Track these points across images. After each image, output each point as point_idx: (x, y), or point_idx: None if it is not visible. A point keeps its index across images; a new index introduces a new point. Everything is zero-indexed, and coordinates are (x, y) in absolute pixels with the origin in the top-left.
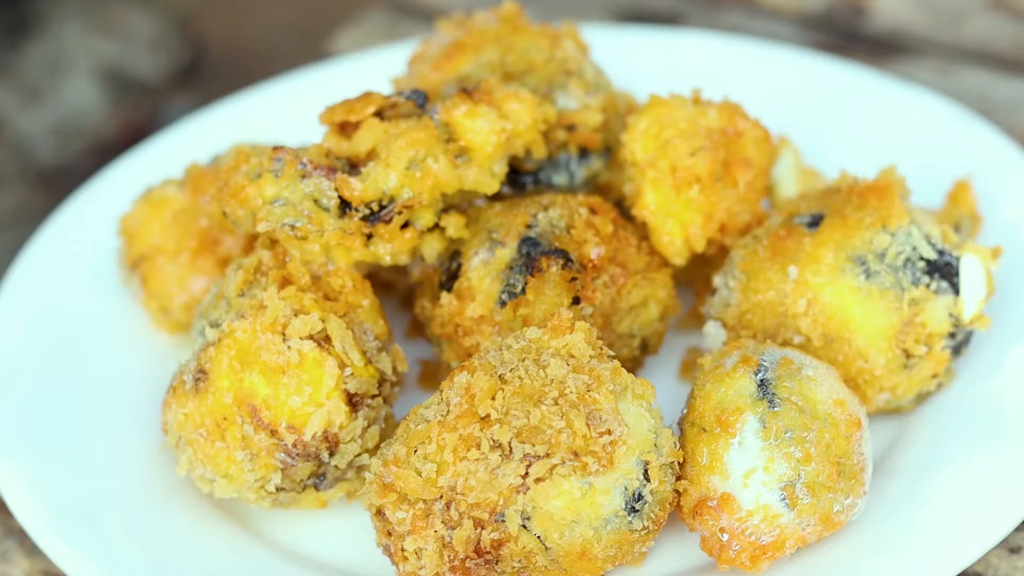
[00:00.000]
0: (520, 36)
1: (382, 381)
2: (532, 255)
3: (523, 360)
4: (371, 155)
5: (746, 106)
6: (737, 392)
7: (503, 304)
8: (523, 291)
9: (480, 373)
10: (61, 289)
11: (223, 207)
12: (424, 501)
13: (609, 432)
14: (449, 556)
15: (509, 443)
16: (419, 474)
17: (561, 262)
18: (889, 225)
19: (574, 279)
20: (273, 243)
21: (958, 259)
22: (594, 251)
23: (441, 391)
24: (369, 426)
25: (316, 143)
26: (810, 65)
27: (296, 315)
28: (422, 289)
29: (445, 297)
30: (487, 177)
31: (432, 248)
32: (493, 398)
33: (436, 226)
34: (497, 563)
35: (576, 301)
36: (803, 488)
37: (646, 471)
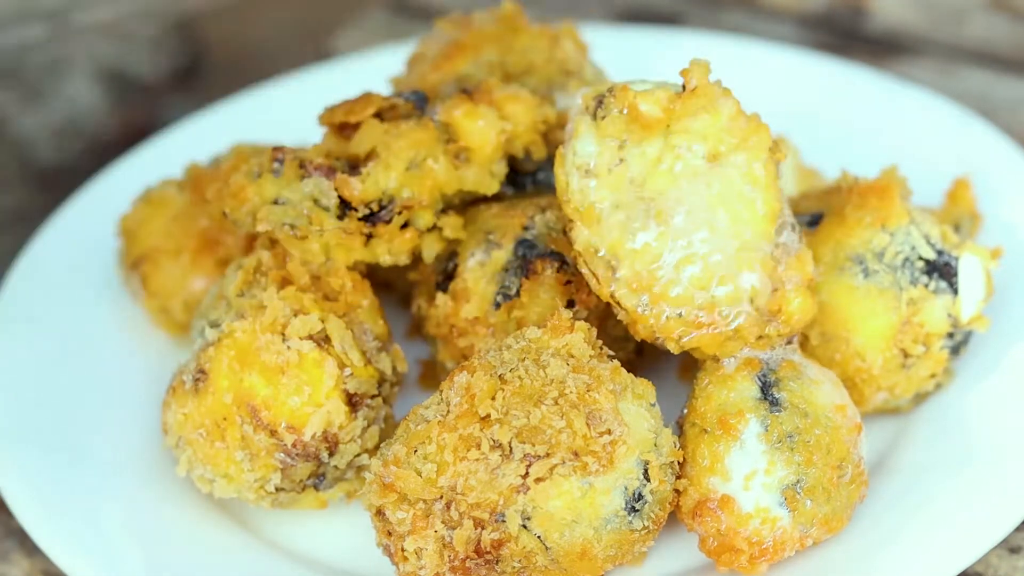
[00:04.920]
0: (520, 36)
1: (382, 381)
2: (528, 257)
3: (523, 360)
4: (371, 156)
5: (746, 106)
6: (739, 394)
7: (497, 306)
8: (517, 293)
9: (480, 373)
10: (61, 289)
11: (223, 207)
12: (424, 501)
13: (609, 432)
14: (449, 556)
15: (509, 443)
16: (419, 474)
17: (556, 265)
18: (888, 225)
19: (569, 282)
20: (273, 243)
21: (957, 259)
22: None
23: (441, 391)
24: (369, 426)
25: (316, 143)
26: (810, 65)
27: (296, 315)
28: (419, 289)
29: (441, 298)
30: (487, 177)
31: (432, 248)
32: (493, 398)
33: (436, 226)
34: (497, 563)
35: (570, 304)
36: (803, 492)
37: (646, 471)
